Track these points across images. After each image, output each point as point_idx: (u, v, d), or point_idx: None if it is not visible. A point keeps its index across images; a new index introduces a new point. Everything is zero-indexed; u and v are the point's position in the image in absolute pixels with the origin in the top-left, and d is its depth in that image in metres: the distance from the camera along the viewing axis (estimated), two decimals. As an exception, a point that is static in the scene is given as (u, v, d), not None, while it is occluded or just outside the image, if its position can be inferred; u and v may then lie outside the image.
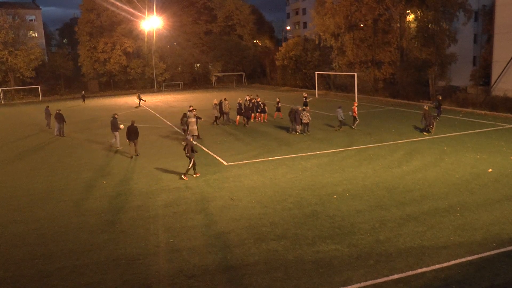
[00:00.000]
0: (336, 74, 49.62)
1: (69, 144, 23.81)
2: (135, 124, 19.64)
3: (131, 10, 60.72)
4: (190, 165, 15.62)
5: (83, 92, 51.44)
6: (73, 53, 73.68)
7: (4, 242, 10.72)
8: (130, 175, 16.54)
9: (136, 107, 41.41)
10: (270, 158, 18.26)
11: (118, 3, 60.69)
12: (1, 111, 44.21)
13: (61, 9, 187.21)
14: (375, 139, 21.53)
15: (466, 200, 12.32)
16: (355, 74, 39.85)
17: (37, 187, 15.52)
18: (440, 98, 27.48)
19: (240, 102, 27.50)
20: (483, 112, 29.60)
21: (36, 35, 70.32)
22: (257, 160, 18.13)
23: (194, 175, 15.87)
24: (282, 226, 10.96)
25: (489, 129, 23.37)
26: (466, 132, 22.68)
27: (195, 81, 72.23)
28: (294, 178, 15.15)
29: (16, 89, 57.46)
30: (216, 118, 27.80)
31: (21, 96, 57.96)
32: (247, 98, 28.62)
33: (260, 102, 28.30)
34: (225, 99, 28.25)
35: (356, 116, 24.47)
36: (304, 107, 26.69)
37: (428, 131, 22.49)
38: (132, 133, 19.47)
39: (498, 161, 16.44)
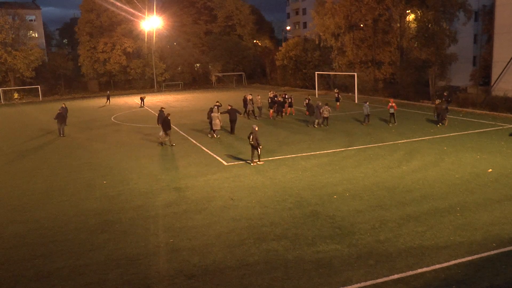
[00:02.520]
0: (336, 74, 49.63)
1: (69, 144, 23.82)
2: (167, 116, 21.37)
3: (131, 10, 60.67)
4: (260, 151, 17.14)
5: (108, 92, 51.45)
6: (73, 53, 73.65)
7: (4, 242, 10.71)
8: (130, 175, 16.54)
9: (141, 106, 41.83)
10: (270, 158, 18.26)
11: (118, 3, 60.65)
12: (1, 111, 44.21)
13: (61, 9, 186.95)
14: (375, 139, 21.53)
15: (466, 200, 12.32)
16: (355, 74, 39.86)
17: (37, 187, 15.52)
18: (446, 94, 30.24)
19: (271, 96, 30.06)
20: (483, 112, 29.61)
21: (36, 35, 70.19)
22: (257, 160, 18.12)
23: (252, 163, 17.20)
24: (282, 226, 10.96)
25: (489, 129, 23.37)
26: (466, 132, 22.68)
27: (195, 81, 72.24)
28: (294, 178, 15.16)
29: (16, 89, 57.43)
30: (250, 112, 29.73)
31: (21, 96, 57.94)
32: (271, 94, 31.06)
33: (288, 97, 30.98)
34: (250, 94, 30.47)
35: (394, 113, 25.44)
36: (336, 102, 32.51)
37: (442, 124, 24.52)
38: (165, 125, 21.14)
39: (498, 161, 16.44)
